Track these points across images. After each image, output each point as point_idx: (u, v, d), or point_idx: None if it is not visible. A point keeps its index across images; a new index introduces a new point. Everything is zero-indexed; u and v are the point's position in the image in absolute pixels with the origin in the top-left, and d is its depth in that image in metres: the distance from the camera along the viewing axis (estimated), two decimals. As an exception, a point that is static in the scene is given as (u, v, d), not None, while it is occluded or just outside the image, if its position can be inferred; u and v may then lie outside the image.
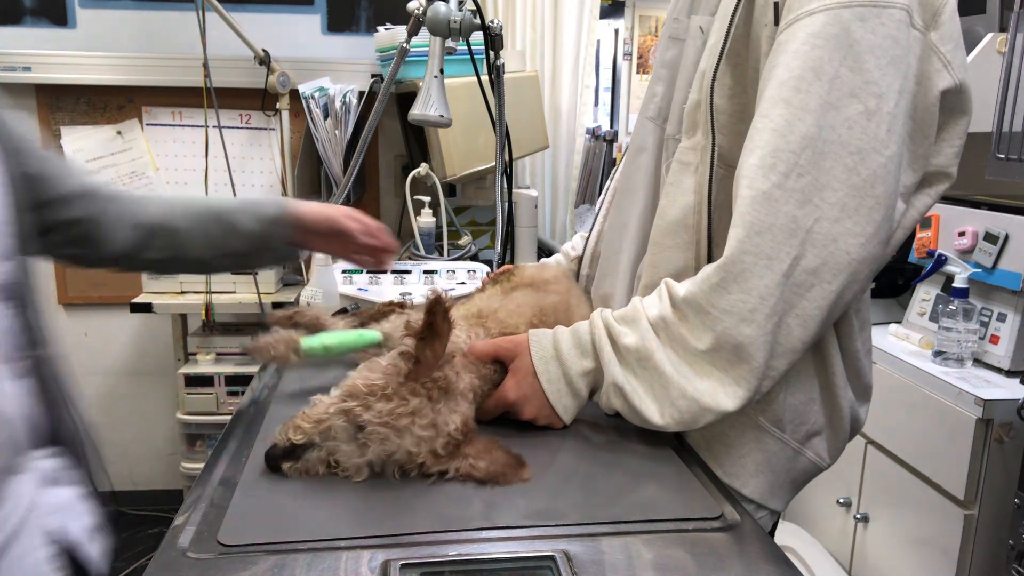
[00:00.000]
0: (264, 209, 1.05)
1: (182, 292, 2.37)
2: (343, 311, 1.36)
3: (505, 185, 1.66)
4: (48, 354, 0.90)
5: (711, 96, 0.87)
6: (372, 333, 1.02)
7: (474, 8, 1.42)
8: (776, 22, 0.81)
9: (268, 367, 1.15)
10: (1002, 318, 1.80)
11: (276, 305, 2.33)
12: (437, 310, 0.79)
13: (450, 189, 2.50)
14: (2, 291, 0.83)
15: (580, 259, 1.28)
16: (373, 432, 0.77)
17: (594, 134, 3.38)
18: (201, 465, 0.99)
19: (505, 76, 1.55)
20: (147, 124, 2.63)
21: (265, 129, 2.65)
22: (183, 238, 1.04)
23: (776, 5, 0.81)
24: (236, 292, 2.39)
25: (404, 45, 1.56)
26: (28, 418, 0.83)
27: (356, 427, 0.77)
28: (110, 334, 2.77)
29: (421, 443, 0.77)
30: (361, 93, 2.46)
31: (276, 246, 1.06)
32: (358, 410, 0.77)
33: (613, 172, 1.27)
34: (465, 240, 2.26)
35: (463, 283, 1.69)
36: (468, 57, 1.54)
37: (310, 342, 0.98)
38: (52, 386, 0.89)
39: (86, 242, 1.02)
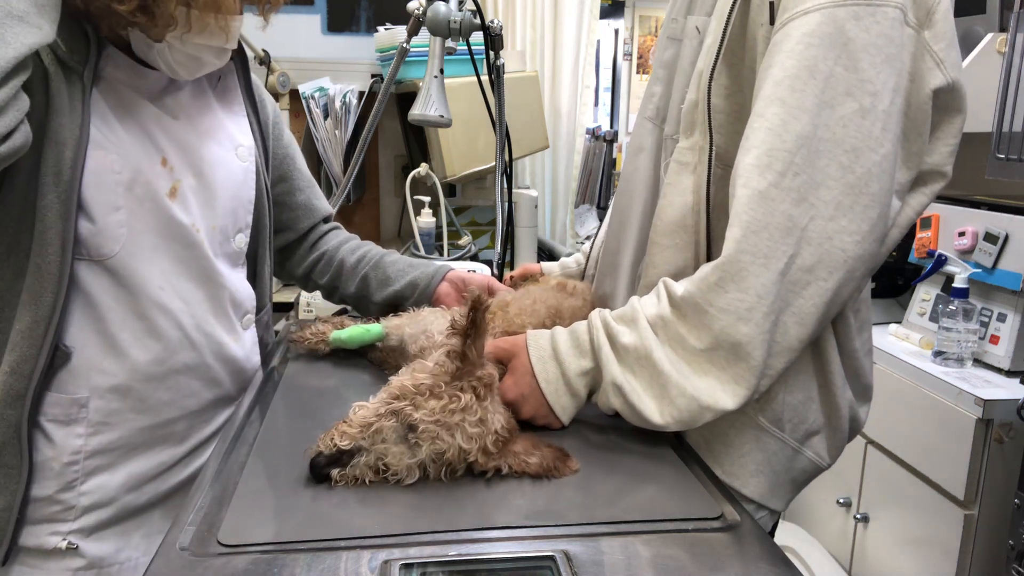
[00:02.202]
0: (427, 268, 1.25)
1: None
2: (343, 311, 1.36)
3: (505, 185, 1.66)
4: (266, 314, 1.21)
5: (708, 96, 0.87)
6: (376, 328, 1.13)
7: (474, 8, 1.42)
8: (772, 21, 0.82)
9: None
10: (1002, 318, 1.80)
11: (277, 305, 2.33)
12: (480, 308, 0.79)
13: (450, 189, 2.51)
14: (239, 257, 1.13)
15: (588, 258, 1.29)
16: (425, 431, 0.76)
17: (594, 134, 3.38)
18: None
19: (505, 76, 1.55)
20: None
21: (265, 129, 2.65)
22: (346, 273, 1.29)
23: (772, 4, 0.82)
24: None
25: (404, 45, 1.56)
26: (252, 362, 1.15)
27: (407, 428, 0.77)
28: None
29: (472, 440, 0.77)
30: (361, 93, 2.46)
31: (410, 305, 1.22)
32: (408, 410, 0.76)
33: None
34: (465, 240, 2.26)
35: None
36: (468, 57, 1.54)
37: (336, 334, 1.16)
38: (266, 337, 1.21)
39: (286, 253, 1.32)
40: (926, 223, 2.01)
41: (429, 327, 1.03)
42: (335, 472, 0.77)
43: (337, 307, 1.49)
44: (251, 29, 1.11)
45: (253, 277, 1.16)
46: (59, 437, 0.96)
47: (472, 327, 0.79)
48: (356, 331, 1.14)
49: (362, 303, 1.30)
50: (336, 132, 2.41)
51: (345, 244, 1.33)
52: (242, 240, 1.13)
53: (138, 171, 0.96)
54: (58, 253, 0.91)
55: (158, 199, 0.98)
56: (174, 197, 1.00)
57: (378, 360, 1.14)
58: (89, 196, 0.93)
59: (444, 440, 0.76)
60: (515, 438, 0.82)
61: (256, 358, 1.16)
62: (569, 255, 1.44)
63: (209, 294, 1.05)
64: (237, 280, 1.12)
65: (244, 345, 1.13)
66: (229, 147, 1.09)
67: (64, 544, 0.98)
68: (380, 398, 0.80)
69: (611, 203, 1.23)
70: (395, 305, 1.24)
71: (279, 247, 1.29)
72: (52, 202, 0.90)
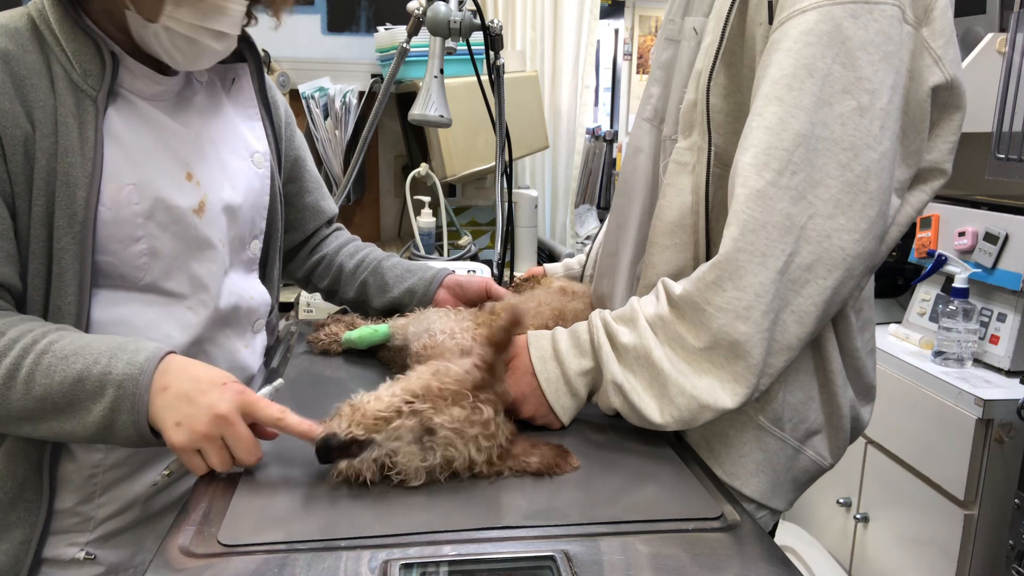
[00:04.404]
0: (424, 273, 1.24)
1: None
2: (343, 311, 1.36)
3: (505, 185, 1.66)
4: (274, 316, 1.22)
5: (707, 96, 0.87)
6: (384, 328, 1.15)
7: (474, 8, 1.42)
8: (770, 20, 0.82)
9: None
10: (1002, 318, 1.80)
11: (281, 305, 2.33)
12: (518, 322, 0.78)
13: (450, 189, 2.51)
14: (253, 263, 1.13)
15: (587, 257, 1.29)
16: (444, 437, 0.75)
17: (594, 134, 3.38)
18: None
19: (505, 76, 1.55)
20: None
21: (265, 129, 2.65)
22: (345, 278, 1.29)
23: (770, 3, 0.81)
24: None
25: (404, 45, 1.56)
26: (259, 364, 1.15)
27: (424, 430, 0.76)
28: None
29: (481, 452, 0.77)
30: (361, 93, 2.46)
31: (412, 307, 1.21)
32: (430, 412, 0.76)
33: None
34: (465, 240, 2.26)
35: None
36: (468, 57, 1.54)
37: (347, 335, 1.19)
38: (269, 339, 1.21)
39: (288, 254, 1.31)
40: (926, 223, 2.01)
41: (432, 326, 1.04)
42: (343, 464, 0.75)
43: (338, 307, 1.49)
44: (251, 28, 1.11)
45: (262, 279, 1.16)
46: (80, 452, 0.96)
47: (507, 340, 0.79)
48: (365, 332, 1.17)
49: (361, 307, 1.30)
50: (336, 132, 2.41)
51: (345, 247, 1.32)
52: (256, 247, 1.12)
53: (159, 196, 0.94)
54: (76, 294, 0.89)
55: (184, 220, 0.96)
56: (201, 213, 0.98)
57: (387, 359, 1.15)
58: (106, 233, 0.91)
59: (457, 449, 0.76)
60: (515, 441, 0.82)
61: (261, 360, 1.16)
62: (570, 255, 1.44)
63: (226, 304, 1.04)
64: (251, 286, 1.11)
65: (255, 349, 1.13)
66: (245, 155, 1.08)
67: (82, 555, 0.98)
68: (395, 392, 0.78)
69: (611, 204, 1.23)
70: (394, 310, 1.24)
71: (284, 248, 1.29)
72: (68, 244, 0.88)
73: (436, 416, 0.75)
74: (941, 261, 1.91)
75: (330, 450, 0.75)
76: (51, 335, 0.84)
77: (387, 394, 0.78)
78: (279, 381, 1.04)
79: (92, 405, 0.82)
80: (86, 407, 0.82)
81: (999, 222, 1.81)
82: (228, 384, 0.82)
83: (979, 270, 1.83)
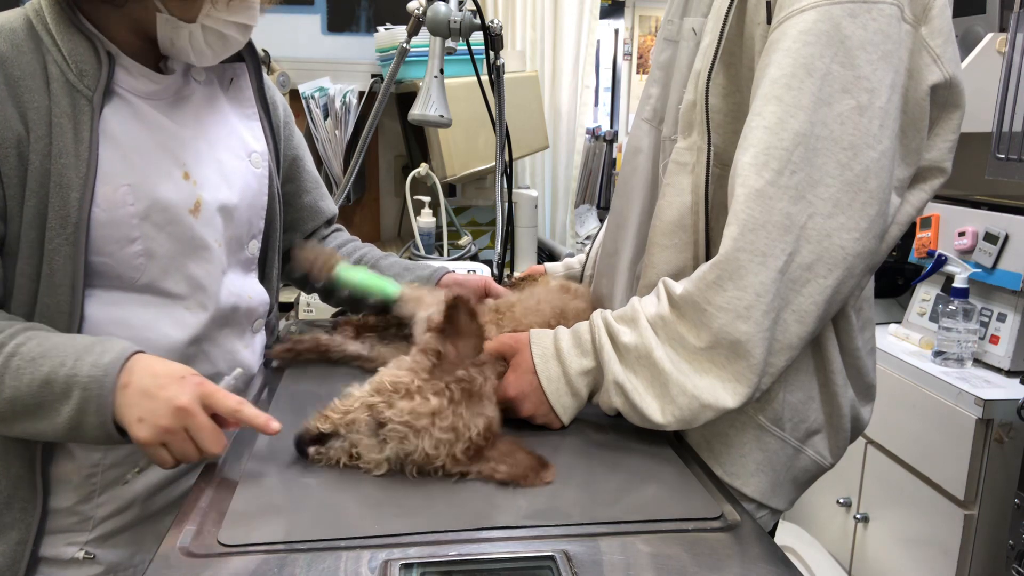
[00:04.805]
0: (422, 272, 1.25)
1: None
2: (342, 313, 1.36)
3: (505, 185, 1.66)
4: (273, 316, 1.21)
5: (706, 96, 0.87)
6: (393, 286, 1.12)
7: (474, 8, 1.42)
8: (769, 20, 0.82)
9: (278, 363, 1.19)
10: (1002, 318, 1.80)
11: (281, 305, 2.32)
12: (458, 307, 0.79)
13: (450, 189, 2.51)
14: (252, 263, 1.13)
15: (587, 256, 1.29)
16: (393, 430, 0.77)
17: (594, 134, 3.38)
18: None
19: (505, 76, 1.55)
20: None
21: (265, 129, 2.64)
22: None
23: (768, 4, 0.82)
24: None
25: (404, 45, 1.56)
26: (259, 364, 1.15)
27: (378, 423, 0.78)
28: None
29: (440, 446, 0.77)
30: (361, 93, 2.46)
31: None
32: (381, 406, 0.78)
33: None
34: (465, 240, 2.26)
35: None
36: (468, 57, 1.54)
37: (343, 271, 1.13)
38: (268, 339, 1.20)
39: (287, 255, 1.28)
40: (926, 223, 2.01)
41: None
42: (312, 449, 0.80)
43: (336, 308, 1.49)
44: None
45: (261, 280, 1.16)
46: (78, 452, 0.96)
47: (448, 325, 0.79)
48: (372, 279, 1.13)
49: (356, 306, 1.29)
50: (336, 132, 2.41)
51: (343, 247, 1.32)
52: (255, 247, 1.12)
53: (155, 196, 0.93)
54: (68, 294, 0.89)
55: (180, 221, 0.96)
56: (197, 214, 0.98)
57: (370, 368, 1.12)
58: (101, 235, 0.90)
59: (411, 441, 0.77)
60: (493, 443, 0.82)
61: (261, 360, 1.16)
62: (571, 255, 1.44)
63: (225, 304, 1.04)
64: (250, 287, 1.11)
65: (255, 350, 1.13)
66: (243, 154, 1.07)
67: (81, 554, 0.98)
68: (364, 389, 0.82)
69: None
70: (390, 310, 1.24)
71: (283, 248, 1.28)
72: (60, 245, 0.87)
73: (387, 410, 0.78)
74: (941, 261, 1.91)
75: (302, 442, 0.82)
76: (19, 337, 0.84)
77: (356, 391, 0.82)
78: (238, 371, 1.04)
79: (60, 407, 0.82)
80: (55, 408, 0.82)
81: (999, 222, 1.81)
82: (187, 377, 0.82)
83: (979, 270, 1.83)
